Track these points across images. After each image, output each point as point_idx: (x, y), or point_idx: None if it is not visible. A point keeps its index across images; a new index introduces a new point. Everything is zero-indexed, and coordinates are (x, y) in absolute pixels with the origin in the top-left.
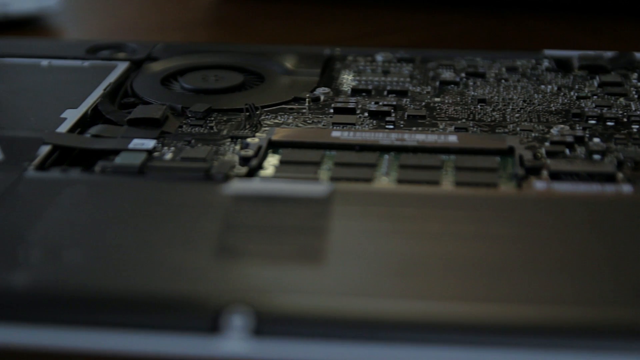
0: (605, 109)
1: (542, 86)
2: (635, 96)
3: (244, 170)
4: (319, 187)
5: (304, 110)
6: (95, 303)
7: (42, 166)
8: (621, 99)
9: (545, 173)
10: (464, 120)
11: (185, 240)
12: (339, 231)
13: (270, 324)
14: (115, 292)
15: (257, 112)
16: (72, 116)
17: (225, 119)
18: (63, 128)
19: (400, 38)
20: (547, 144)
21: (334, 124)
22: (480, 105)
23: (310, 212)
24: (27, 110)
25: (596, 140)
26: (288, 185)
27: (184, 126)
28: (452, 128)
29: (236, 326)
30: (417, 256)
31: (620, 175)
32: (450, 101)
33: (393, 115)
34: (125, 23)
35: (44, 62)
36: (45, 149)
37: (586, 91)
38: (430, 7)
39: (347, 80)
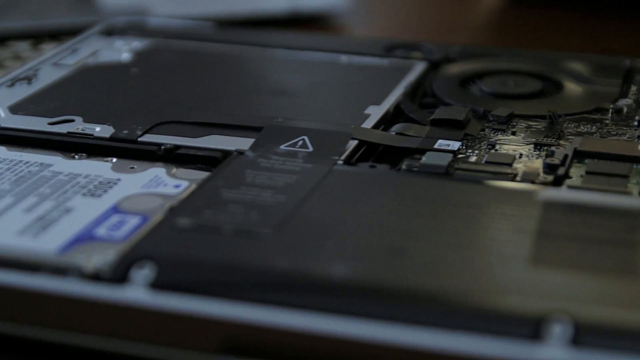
0: None
1: None
2: None
3: (550, 178)
4: (635, 200)
5: (606, 121)
6: (413, 301)
7: (350, 160)
8: None
9: None
10: None
11: (497, 244)
12: None
13: (589, 335)
14: (432, 292)
15: (560, 120)
16: (375, 113)
17: (526, 125)
18: (368, 124)
19: None
20: None
21: (639, 137)
22: None
23: (626, 225)
24: (330, 105)
25: None
26: (602, 197)
27: (486, 130)
28: None
29: (556, 335)
30: None
31: None
32: None
33: None
34: (408, 23)
35: (344, 58)
36: (352, 144)
37: None
38: None
39: None
